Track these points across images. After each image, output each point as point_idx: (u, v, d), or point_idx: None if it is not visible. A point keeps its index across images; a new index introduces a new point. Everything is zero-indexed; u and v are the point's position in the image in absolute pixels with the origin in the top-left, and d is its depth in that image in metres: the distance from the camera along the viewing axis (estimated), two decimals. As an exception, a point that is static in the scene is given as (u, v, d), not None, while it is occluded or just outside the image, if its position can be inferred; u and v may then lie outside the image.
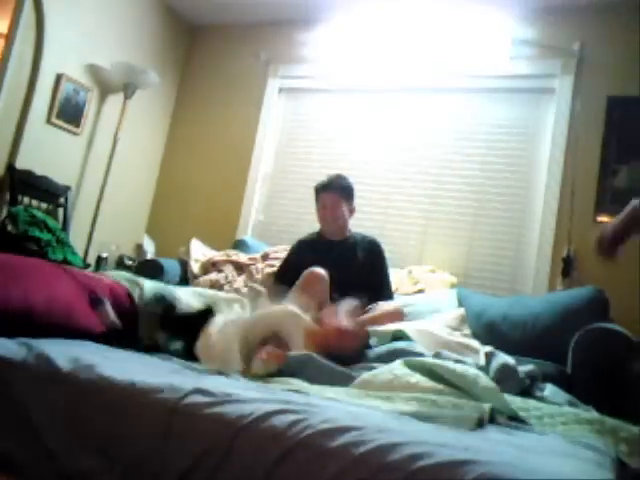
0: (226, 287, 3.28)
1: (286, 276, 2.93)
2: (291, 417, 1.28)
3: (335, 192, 3.04)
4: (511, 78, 3.59)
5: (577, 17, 3.46)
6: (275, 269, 3.25)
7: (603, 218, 3.20)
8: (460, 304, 3.03)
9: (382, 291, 2.93)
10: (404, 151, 3.81)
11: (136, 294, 2.30)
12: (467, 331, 2.83)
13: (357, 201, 3.13)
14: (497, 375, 1.99)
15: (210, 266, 3.50)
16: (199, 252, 3.57)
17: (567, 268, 3.20)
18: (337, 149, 3.99)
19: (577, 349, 2.40)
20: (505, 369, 2.04)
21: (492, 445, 1.30)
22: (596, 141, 3.29)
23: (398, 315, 2.66)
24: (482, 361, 2.19)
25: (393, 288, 3.08)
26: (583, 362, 2.36)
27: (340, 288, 2.64)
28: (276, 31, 4.25)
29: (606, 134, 3.28)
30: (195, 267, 3.48)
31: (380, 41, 3.88)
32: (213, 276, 3.40)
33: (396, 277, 3.20)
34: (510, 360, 2.13)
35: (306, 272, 2.65)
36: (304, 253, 3.04)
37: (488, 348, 2.51)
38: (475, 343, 2.53)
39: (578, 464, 1.27)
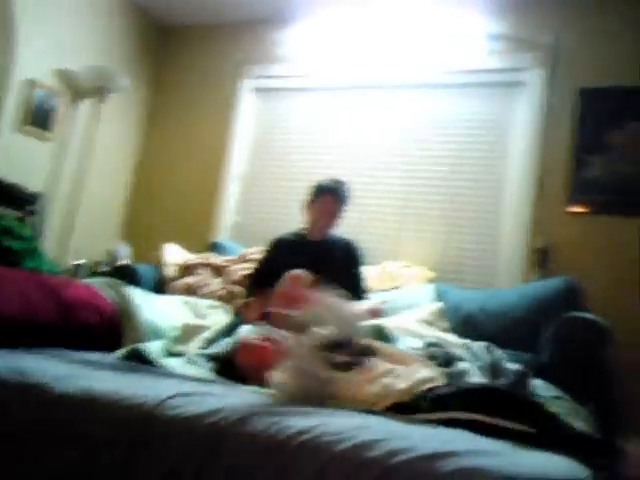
0: (202, 290, 3.27)
1: (264, 275, 2.93)
2: (268, 420, 1.29)
3: (339, 198, 3.05)
4: (483, 72, 3.61)
5: (549, 10, 3.50)
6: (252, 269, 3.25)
7: (575, 209, 3.25)
8: (437, 299, 3.05)
9: (358, 292, 2.94)
10: (378, 147, 3.82)
11: (116, 298, 2.31)
12: (445, 325, 2.84)
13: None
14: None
15: (185, 270, 3.48)
16: (174, 256, 3.54)
17: (541, 259, 3.23)
18: (313, 148, 3.99)
19: (551, 338, 2.43)
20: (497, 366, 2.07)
21: (469, 438, 1.31)
22: (568, 133, 3.33)
23: (377, 312, 2.68)
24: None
25: (369, 284, 3.09)
26: (557, 351, 2.39)
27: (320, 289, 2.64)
28: (250, 31, 4.24)
29: (578, 125, 3.31)
30: (170, 271, 3.45)
31: (355, 39, 3.89)
32: (189, 280, 3.37)
33: (372, 273, 3.21)
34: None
35: (287, 275, 2.64)
36: (282, 252, 3.04)
37: (465, 342, 2.54)
38: (452, 337, 2.55)
39: (552, 456, 1.28)
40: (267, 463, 1.19)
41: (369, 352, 1.75)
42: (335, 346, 1.68)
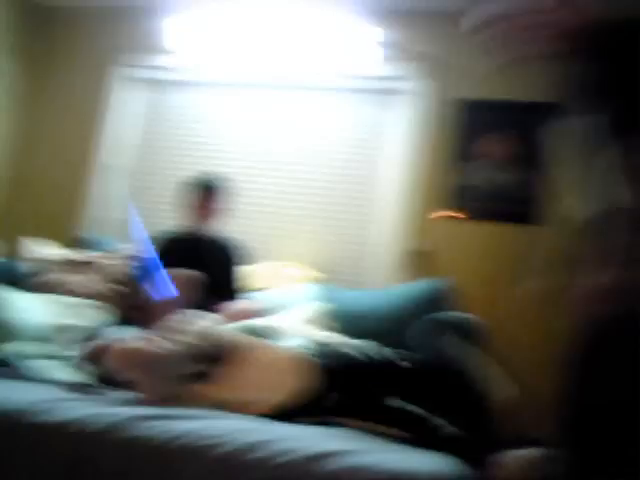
0: (69, 287, 3.10)
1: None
2: (145, 424, 1.25)
3: (210, 192, 3.03)
4: (365, 79, 3.69)
5: (429, 21, 3.63)
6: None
7: (450, 214, 3.40)
8: (317, 298, 3.09)
9: (235, 291, 2.93)
10: (261, 146, 3.81)
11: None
12: (322, 325, 2.88)
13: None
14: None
15: (51, 265, 3.29)
16: (36, 250, 3.33)
17: (414, 262, 3.37)
18: (194, 143, 3.88)
19: (409, 340, 2.53)
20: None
21: (348, 437, 1.34)
22: (446, 141, 3.47)
23: (251, 313, 2.67)
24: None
25: (249, 284, 3.08)
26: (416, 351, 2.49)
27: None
28: (132, 18, 4.04)
29: (455, 134, 3.46)
30: (33, 266, 3.24)
31: (240, 36, 3.81)
32: (51, 276, 3.19)
33: (253, 273, 3.20)
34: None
35: (176, 275, 2.54)
36: (163, 249, 2.94)
37: (340, 339, 2.59)
38: (336, 337, 2.60)
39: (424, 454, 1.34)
40: (146, 467, 1.15)
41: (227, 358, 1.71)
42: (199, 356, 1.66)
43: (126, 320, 2.66)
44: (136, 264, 3.03)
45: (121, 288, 3.01)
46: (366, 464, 1.16)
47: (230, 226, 3.29)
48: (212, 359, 1.65)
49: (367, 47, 3.67)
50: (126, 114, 4.02)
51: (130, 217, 3.09)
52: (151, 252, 2.91)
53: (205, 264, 2.79)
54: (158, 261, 2.69)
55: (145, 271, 2.79)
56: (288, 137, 3.78)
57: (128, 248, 3.33)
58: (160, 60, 3.98)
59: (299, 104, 3.82)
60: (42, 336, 2.25)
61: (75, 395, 1.51)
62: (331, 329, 2.83)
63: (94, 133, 3.99)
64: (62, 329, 2.37)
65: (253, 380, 1.59)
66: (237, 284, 3.00)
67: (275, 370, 1.65)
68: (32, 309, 2.46)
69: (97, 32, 4.15)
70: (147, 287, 2.59)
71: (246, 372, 1.62)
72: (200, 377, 1.58)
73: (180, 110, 3.98)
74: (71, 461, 1.18)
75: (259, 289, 3.17)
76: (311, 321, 2.83)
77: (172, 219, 3.19)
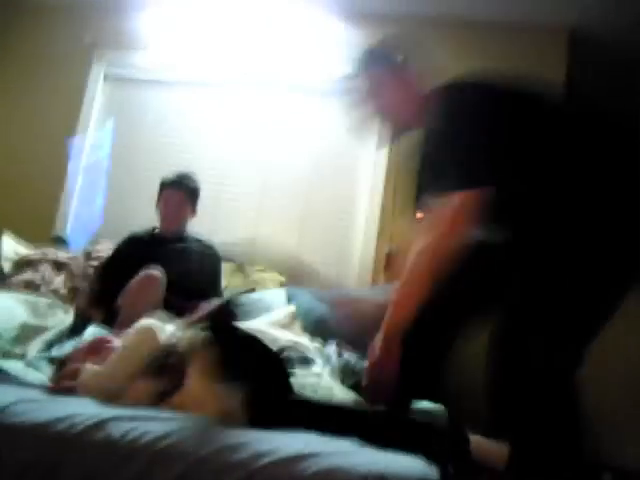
0: (44, 288, 3.06)
1: (113, 270, 2.84)
2: (125, 425, 1.24)
3: (182, 192, 2.98)
4: (336, 82, 3.70)
5: (402, 27, 3.65)
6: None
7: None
8: (290, 302, 3.09)
9: (211, 292, 2.90)
10: (235, 146, 3.79)
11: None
12: (297, 328, 2.89)
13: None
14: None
15: (25, 265, 3.24)
16: (11, 249, 3.28)
17: (389, 264, 3.39)
18: (169, 142, 3.85)
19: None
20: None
21: (325, 439, 1.34)
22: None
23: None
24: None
25: (223, 286, 3.07)
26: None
27: (171, 288, 2.59)
28: (103, 14, 4.00)
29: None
30: (6, 266, 3.19)
31: (213, 34, 3.82)
32: (28, 276, 3.14)
33: (226, 276, 3.19)
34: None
35: (142, 274, 2.54)
36: (135, 248, 2.93)
37: (317, 344, 2.60)
38: (305, 340, 2.60)
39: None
40: (126, 468, 1.14)
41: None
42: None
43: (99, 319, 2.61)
44: (107, 262, 3.00)
45: (93, 286, 2.98)
46: (344, 465, 1.17)
47: (206, 228, 3.27)
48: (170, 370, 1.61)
49: (349, 50, 3.68)
50: (97, 111, 3.98)
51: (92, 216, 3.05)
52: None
53: (179, 265, 2.79)
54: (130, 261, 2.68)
55: (116, 271, 2.77)
56: (267, 138, 3.77)
57: (101, 249, 3.31)
58: (135, 58, 3.95)
59: (280, 105, 3.81)
60: (13, 336, 2.20)
61: (48, 396, 1.49)
62: (303, 332, 2.84)
63: (69, 130, 3.94)
64: (36, 330, 2.33)
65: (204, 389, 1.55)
66: (211, 285, 2.98)
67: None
68: (4, 308, 2.42)
69: (70, 28, 4.10)
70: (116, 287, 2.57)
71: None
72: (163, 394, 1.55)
73: (156, 108, 3.94)
74: (50, 464, 1.17)
75: (236, 292, 3.16)
76: (285, 324, 2.83)
77: (148, 219, 3.16)
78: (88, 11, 4.04)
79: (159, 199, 3.02)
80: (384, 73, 1.91)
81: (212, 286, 2.97)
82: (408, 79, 1.90)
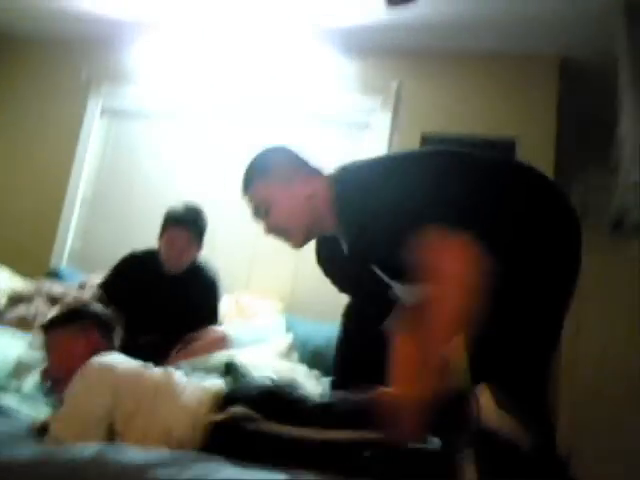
0: (38, 323, 3.02)
1: (113, 288, 2.73)
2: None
3: (189, 230, 2.66)
4: (333, 112, 3.75)
5: (396, 58, 3.72)
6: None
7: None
8: (287, 331, 3.07)
9: (208, 320, 2.83)
10: (229, 177, 3.78)
11: None
12: (294, 358, 2.86)
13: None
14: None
15: (18, 300, 3.21)
16: (6, 283, 3.25)
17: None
18: (163, 173, 3.88)
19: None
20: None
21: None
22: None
23: (224, 342, 2.62)
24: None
25: (222, 315, 3.03)
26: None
27: (165, 322, 2.55)
28: (100, 48, 4.06)
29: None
30: (1, 301, 3.16)
31: (203, 66, 3.86)
32: (21, 311, 3.10)
33: (224, 304, 3.16)
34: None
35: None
36: (133, 272, 2.76)
37: (314, 374, 2.57)
38: (302, 370, 2.58)
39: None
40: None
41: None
42: None
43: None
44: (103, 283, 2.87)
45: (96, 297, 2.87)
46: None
47: (200, 256, 3.25)
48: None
49: (336, 80, 3.73)
50: (94, 144, 4.00)
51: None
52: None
53: (179, 303, 2.71)
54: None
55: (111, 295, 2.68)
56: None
57: (95, 280, 3.27)
58: (132, 91, 3.98)
59: (277, 136, 3.83)
60: (9, 372, 2.18)
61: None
62: (298, 362, 2.81)
63: (66, 164, 3.95)
64: (28, 365, 2.31)
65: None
66: (210, 316, 2.93)
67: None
68: (1, 344, 2.40)
69: (67, 62, 4.15)
70: None
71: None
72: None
73: (153, 141, 3.97)
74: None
75: (233, 321, 3.14)
76: (284, 355, 2.80)
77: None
78: (85, 46, 4.10)
79: (162, 234, 2.71)
80: (267, 187, 1.74)
81: (210, 317, 2.87)
82: (297, 184, 1.73)
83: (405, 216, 1.47)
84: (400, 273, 1.53)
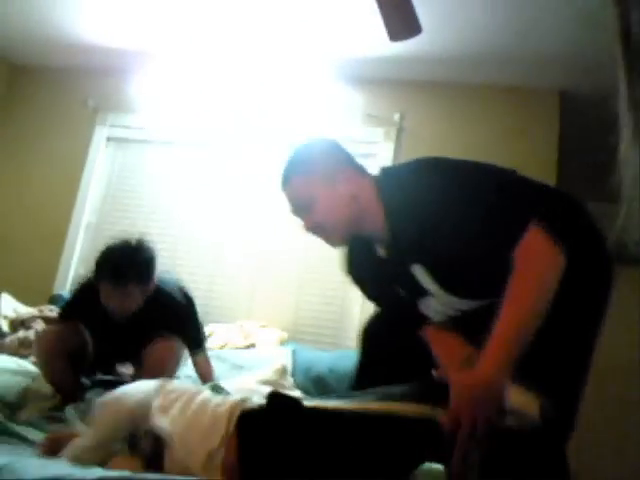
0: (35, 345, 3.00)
1: (77, 311, 2.54)
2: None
3: (125, 285, 2.26)
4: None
5: (398, 90, 3.78)
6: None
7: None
8: (291, 359, 3.06)
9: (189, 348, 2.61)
10: (233, 206, 3.82)
11: None
12: (288, 383, 2.84)
13: (184, 255, 3.02)
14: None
15: (19, 324, 3.21)
16: (9, 308, 3.25)
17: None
18: (165, 202, 3.90)
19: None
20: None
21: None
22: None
23: (173, 353, 2.48)
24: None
25: (222, 342, 3.01)
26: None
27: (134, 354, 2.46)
28: (106, 78, 4.11)
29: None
30: (3, 325, 3.16)
31: (208, 96, 3.91)
32: (21, 334, 3.10)
33: (226, 332, 3.16)
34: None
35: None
36: (89, 305, 2.43)
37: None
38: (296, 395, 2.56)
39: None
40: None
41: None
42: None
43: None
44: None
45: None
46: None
47: (206, 285, 3.26)
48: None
49: (339, 110, 3.78)
50: (99, 172, 4.02)
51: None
52: None
53: (136, 344, 2.47)
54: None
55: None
56: (260, 198, 3.79)
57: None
58: (138, 120, 4.02)
59: (272, 166, 3.85)
60: (16, 400, 2.18)
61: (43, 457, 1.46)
62: (293, 387, 2.80)
63: (70, 191, 3.98)
64: (35, 392, 2.31)
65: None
66: (193, 341, 2.66)
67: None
68: (8, 372, 2.40)
69: (73, 91, 4.20)
70: None
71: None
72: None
73: (159, 169, 4.00)
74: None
75: (236, 349, 3.14)
76: (274, 381, 2.78)
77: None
78: (92, 75, 4.15)
79: (98, 285, 2.33)
80: (309, 183, 1.63)
81: (190, 344, 2.60)
82: (341, 182, 1.62)
83: (477, 209, 1.45)
84: (452, 275, 1.52)
